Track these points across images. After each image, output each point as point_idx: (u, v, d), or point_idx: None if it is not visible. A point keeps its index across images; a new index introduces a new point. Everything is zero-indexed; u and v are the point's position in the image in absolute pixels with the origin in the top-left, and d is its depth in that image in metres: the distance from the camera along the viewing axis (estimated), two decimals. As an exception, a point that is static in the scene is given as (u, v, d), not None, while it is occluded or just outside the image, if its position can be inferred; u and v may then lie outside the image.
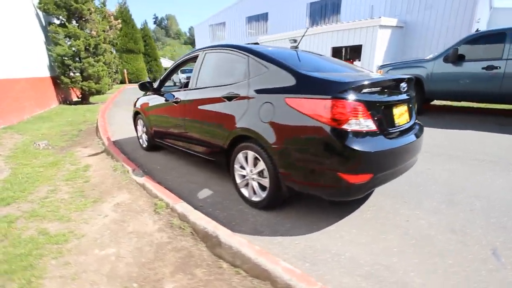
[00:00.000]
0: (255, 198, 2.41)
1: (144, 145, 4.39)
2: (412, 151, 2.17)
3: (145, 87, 3.74)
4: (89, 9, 8.87)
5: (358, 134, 1.82)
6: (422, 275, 1.60)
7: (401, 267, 1.66)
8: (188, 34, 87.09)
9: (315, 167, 1.92)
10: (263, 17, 20.33)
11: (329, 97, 1.80)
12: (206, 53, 3.01)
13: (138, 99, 4.52)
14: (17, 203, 2.50)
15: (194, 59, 3.41)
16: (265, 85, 2.22)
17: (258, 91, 2.24)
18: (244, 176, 2.50)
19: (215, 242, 1.80)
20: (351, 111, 1.79)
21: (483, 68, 5.34)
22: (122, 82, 22.81)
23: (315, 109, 1.84)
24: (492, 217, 2.15)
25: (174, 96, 3.35)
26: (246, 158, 2.42)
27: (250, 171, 2.39)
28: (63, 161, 3.77)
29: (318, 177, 1.94)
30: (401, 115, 2.17)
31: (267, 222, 2.21)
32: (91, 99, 10.51)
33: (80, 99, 10.23)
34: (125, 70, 25.06)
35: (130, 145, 4.62)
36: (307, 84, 1.95)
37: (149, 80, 3.78)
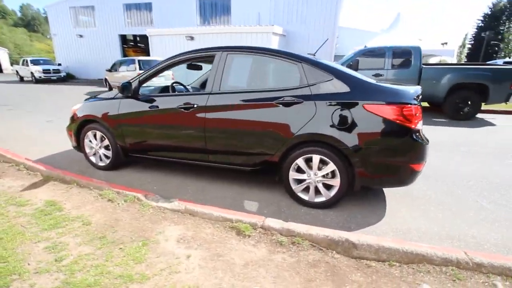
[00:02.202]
0: (318, 199, 2.53)
1: (102, 164, 3.43)
2: None
3: (128, 89, 2.95)
4: None
5: (420, 132, 2.32)
6: (472, 226, 2.28)
7: (457, 225, 2.30)
8: (19, 14, 66.20)
9: (391, 162, 2.30)
10: (146, 6, 18.42)
11: (407, 103, 2.20)
12: (228, 54, 2.74)
13: (82, 105, 3.46)
14: (21, 281, 1.54)
15: (200, 58, 3.02)
16: (333, 91, 2.36)
17: (326, 97, 2.36)
18: (301, 181, 2.55)
19: (348, 246, 1.86)
20: (418, 114, 2.26)
21: (373, 75, 7.25)
22: None
23: (394, 113, 2.20)
24: (463, 181, 3.20)
25: (161, 101, 2.91)
26: (307, 163, 2.48)
27: (314, 174, 2.47)
28: (-10, 203, 2.44)
29: (392, 170, 2.33)
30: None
31: (341, 219, 2.40)
32: None
33: None
34: None
35: (70, 165, 3.49)
36: (383, 93, 2.27)
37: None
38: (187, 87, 3.72)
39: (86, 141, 3.44)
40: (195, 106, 2.74)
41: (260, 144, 2.59)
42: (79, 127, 3.43)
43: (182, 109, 2.79)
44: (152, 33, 16.06)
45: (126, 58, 13.56)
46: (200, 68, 3.83)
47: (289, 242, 1.96)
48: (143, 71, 10.81)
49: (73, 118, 3.51)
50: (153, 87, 3.64)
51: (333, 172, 2.42)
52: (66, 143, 4.28)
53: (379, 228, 2.26)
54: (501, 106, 7.36)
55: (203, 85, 4.17)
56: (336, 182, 2.43)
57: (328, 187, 2.50)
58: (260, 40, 13.81)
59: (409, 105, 2.21)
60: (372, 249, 1.82)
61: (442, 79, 6.60)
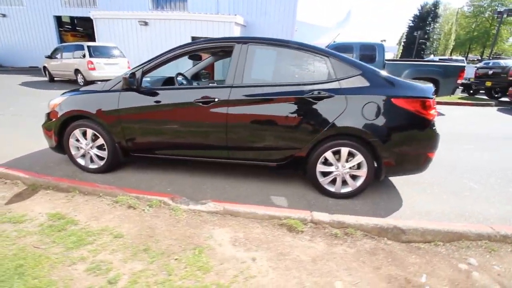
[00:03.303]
0: (345, 190, 2.64)
1: (94, 166, 3.03)
2: None
3: (132, 81, 2.61)
4: None
5: (435, 123, 2.57)
6: (473, 204, 2.64)
7: (463, 205, 2.64)
8: None
9: (413, 151, 2.51)
10: (88, -14, 16.29)
11: (429, 97, 2.40)
12: (249, 45, 2.61)
13: (64, 99, 2.98)
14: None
15: (216, 49, 2.84)
16: (362, 85, 2.44)
17: (355, 91, 2.43)
18: (327, 173, 2.62)
19: (397, 232, 2.00)
20: (435, 107, 2.49)
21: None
22: None
23: (419, 107, 2.39)
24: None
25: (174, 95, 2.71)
26: (335, 155, 2.55)
27: (341, 166, 2.56)
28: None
29: (413, 159, 2.54)
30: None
31: (369, 207, 2.55)
32: None
33: None
34: None
35: (50, 169, 3.02)
36: (409, 88, 2.44)
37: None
38: (189, 79, 3.45)
39: (71, 140, 2.96)
40: (216, 100, 2.57)
41: (288, 139, 2.57)
42: (61, 126, 2.94)
43: (200, 103, 2.60)
44: (97, 15, 14.35)
45: (71, 43, 11.82)
46: (199, 58, 3.58)
47: (342, 233, 2.02)
48: (96, 59, 9.76)
49: (51, 115, 2.99)
50: (149, 78, 3.28)
51: (359, 164, 2.54)
52: (32, 143, 3.67)
53: (405, 213, 2.46)
54: (446, 98, 8.53)
55: (195, 76, 3.93)
56: (362, 172, 2.55)
57: (353, 177, 2.61)
58: (222, 30, 13.42)
59: (430, 99, 2.42)
60: (418, 232, 1.99)
61: (402, 74, 7.34)
